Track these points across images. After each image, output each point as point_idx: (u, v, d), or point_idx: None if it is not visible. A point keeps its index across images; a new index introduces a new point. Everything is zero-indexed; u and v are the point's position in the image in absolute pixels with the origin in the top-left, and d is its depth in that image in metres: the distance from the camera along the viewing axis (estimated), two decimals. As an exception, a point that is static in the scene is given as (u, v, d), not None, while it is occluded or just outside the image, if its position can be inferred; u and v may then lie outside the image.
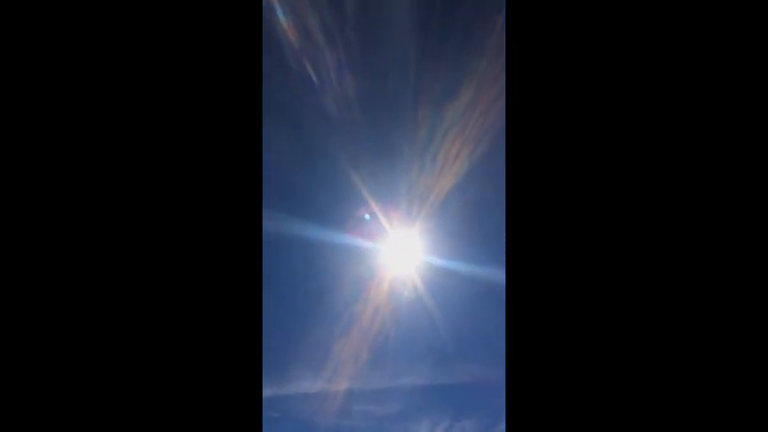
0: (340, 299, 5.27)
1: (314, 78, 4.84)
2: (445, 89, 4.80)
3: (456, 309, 5.12)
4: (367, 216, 5.05)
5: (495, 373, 5.34)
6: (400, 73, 4.89)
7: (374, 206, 5.12)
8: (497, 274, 4.90)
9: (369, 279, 5.28)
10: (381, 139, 5.10)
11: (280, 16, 4.58)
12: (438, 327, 5.19)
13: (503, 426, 5.67)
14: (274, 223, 4.95)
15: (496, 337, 4.99)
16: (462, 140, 4.88)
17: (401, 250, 5.26)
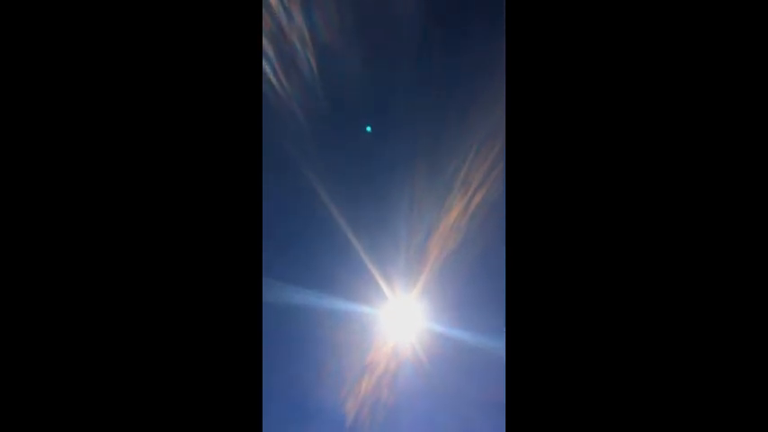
0: (340, 367, 5.16)
1: (311, 143, 4.90)
2: (445, 150, 4.86)
3: (456, 378, 5.02)
4: (368, 127, 4.95)
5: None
6: (399, 135, 4.97)
7: (374, 272, 5.09)
8: (499, 344, 4.84)
9: (369, 346, 5.19)
10: (380, 203, 5.13)
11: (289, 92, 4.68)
12: (438, 397, 5.07)
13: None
14: (273, 291, 4.90)
15: (497, 408, 4.87)
16: (463, 204, 4.90)
17: (402, 316, 5.20)
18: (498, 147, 4.65)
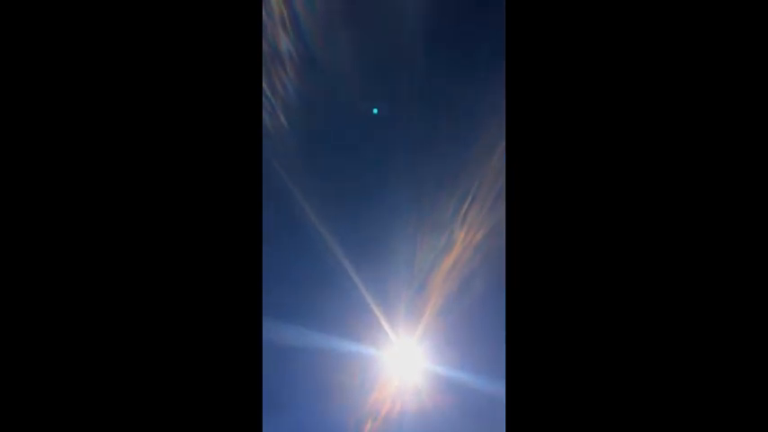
0: (342, 411, 5.08)
1: (314, 184, 4.98)
2: (446, 190, 4.90)
3: (460, 421, 4.91)
4: (375, 110, 4.90)
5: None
6: (400, 177, 5.03)
7: (377, 312, 5.07)
8: (501, 386, 4.75)
9: (372, 388, 5.12)
10: (382, 245, 5.16)
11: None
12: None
13: None
14: (276, 332, 4.89)
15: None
16: (463, 244, 4.91)
17: (405, 358, 5.14)
18: (499, 186, 4.70)
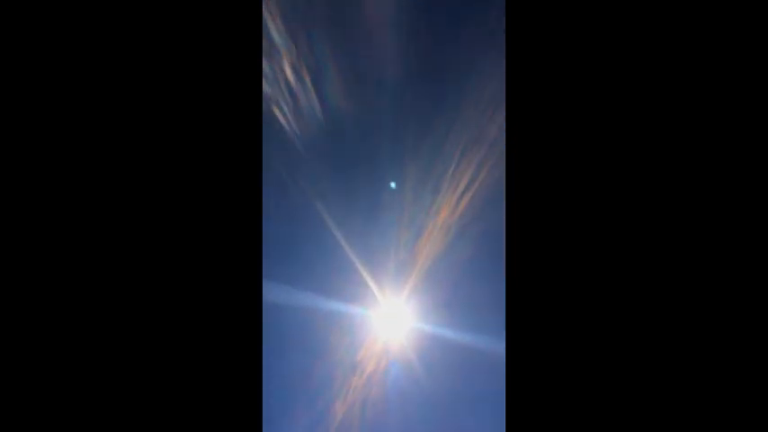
0: (329, 367, 5.19)
1: (299, 146, 4.97)
2: (434, 152, 4.93)
3: (446, 376, 5.05)
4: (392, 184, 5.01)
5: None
6: (386, 134, 5.04)
7: (364, 273, 5.14)
8: (488, 342, 4.89)
9: (358, 347, 5.23)
10: (370, 206, 5.19)
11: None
12: (427, 395, 5.10)
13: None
14: (264, 292, 4.93)
15: (489, 405, 4.90)
16: (451, 205, 4.97)
17: (392, 317, 5.25)
18: (485, 147, 4.73)
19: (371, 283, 5.16)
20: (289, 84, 4.79)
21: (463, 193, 4.88)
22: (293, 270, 5.16)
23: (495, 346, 4.81)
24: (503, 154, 4.64)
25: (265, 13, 4.46)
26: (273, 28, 4.55)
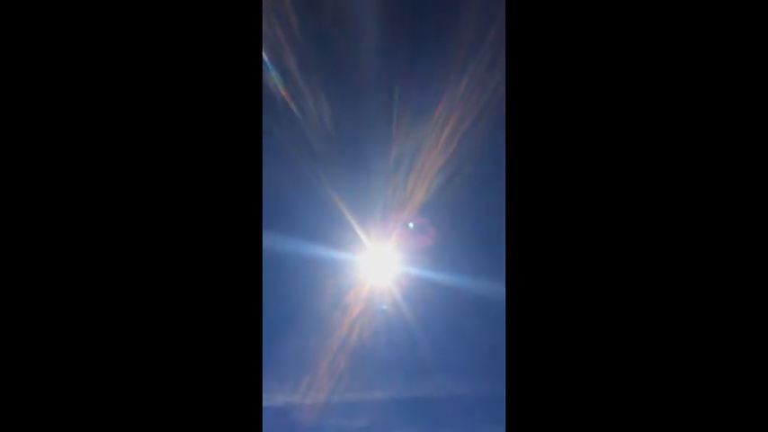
0: (317, 311, 5.27)
1: (293, 107, 4.90)
2: (420, 105, 4.92)
3: (434, 319, 5.19)
4: (411, 225, 5.08)
5: (471, 387, 5.42)
6: (374, 93, 5.00)
7: (351, 219, 5.17)
8: (474, 283, 5.02)
9: (346, 291, 5.31)
10: (356, 152, 5.19)
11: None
12: (415, 338, 5.25)
13: (475, 436, 5.72)
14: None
15: (473, 348, 5.08)
16: (437, 153, 5.00)
17: (379, 262, 5.32)
18: (476, 81, 4.72)
19: (358, 229, 5.20)
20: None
21: (453, 131, 4.91)
22: (280, 217, 5.16)
23: (482, 286, 4.95)
24: (491, 98, 4.68)
25: None
26: None
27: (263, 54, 4.68)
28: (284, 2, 4.60)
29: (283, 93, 4.90)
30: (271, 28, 4.60)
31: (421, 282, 5.22)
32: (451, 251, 5.06)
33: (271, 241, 5.05)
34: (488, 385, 5.19)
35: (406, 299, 5.23)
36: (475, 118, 4.79)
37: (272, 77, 4.78)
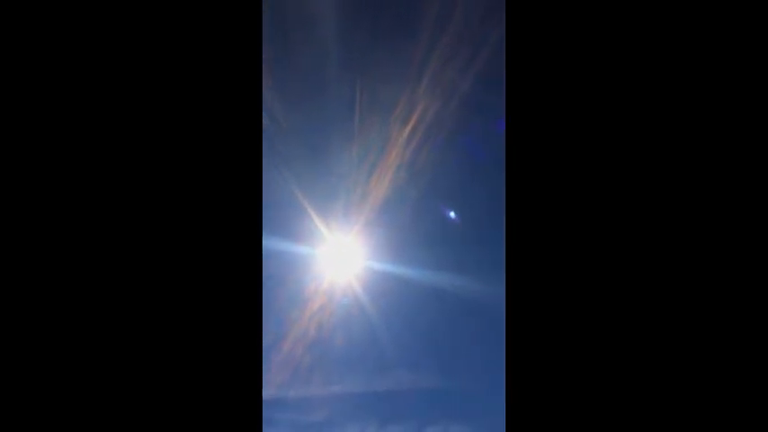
0: (276, 305, 5.22)
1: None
2: (384, 98, 4.96)
3: (394, 313, 5.26)
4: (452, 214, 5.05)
5: (428, 379, 5.52)
6: (338, 86, 5.00)
7: (312, 213, 5.16)
8: (434, 277, 5.11)
9: (306, 284, 5.29)
10: (319, 146, 5.18)
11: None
12: (374, 331, 5.30)
13: (429, 431, 5.84)
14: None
15: (431, 341, 5.18)
16: (401, 147, 5.06)
17: (339, 255, 5.34)
18: (437, 82, 4.80)
19: (319, 223, 5.20)
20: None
21: (417, 128, 4.97)
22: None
23: (442, 280, 5.04)
24: (450, 98, 4.78)
25: None
26: None
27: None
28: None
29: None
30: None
31: (382, 275, 5.27)
32: (413, 245, 5.14)
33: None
34: (446, 380, 5.31)
35: (367, 292, 5.28)
36: (436, 113, 4.87)
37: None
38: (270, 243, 5.13)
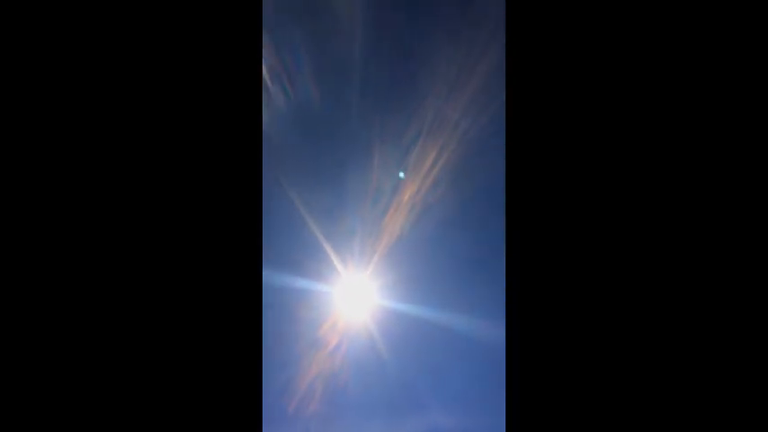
0: (291, 344, 5.15)
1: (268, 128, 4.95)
2: (399, 132, 5.01)
3: (409, 354, 5.10)
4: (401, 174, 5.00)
5: (445, 421, 5.28)
6: (353, 118, 5.08)
7: (327, 249, 5.14)
8: (450, 318, 4.97)
9: (322, 322, 5.21)
10: (334, 182, 5.21)
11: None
12: (390, 373, 5.14)
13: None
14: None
15: (448, 382, 4.99)
16: (416, 183, 5.05)
17: (355, 294, 5.26)
18: (450, 125, 4.84)
19: (335, 261, 5.17)
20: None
21: (428, 172, 4.97)
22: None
23: (456, 321, 4.90)
24: (464, 134, 4.79)
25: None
26: None
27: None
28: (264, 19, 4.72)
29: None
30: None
31: (397, 315, 5.16)
32: (428, 284, 5.04)
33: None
34: (467, 420, 5.07)
35: (381, 332, 5.15)
36: (455, 147, 4.88)
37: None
38: (287, 281, 5.12)
